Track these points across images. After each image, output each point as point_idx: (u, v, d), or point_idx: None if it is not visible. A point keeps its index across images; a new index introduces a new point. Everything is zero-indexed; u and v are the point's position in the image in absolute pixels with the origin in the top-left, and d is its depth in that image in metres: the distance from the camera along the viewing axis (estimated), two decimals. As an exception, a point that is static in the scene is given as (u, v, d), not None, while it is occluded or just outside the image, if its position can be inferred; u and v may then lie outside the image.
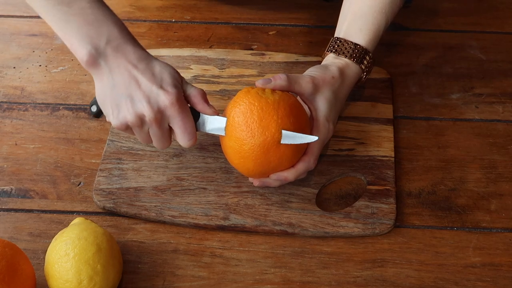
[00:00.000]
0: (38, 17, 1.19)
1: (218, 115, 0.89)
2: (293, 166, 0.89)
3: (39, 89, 1.08)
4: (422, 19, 1.19)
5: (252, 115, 0.86)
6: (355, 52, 0.95)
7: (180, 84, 0.87)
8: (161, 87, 0.85)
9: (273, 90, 0.89)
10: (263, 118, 0.86)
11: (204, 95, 0.89)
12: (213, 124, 0.89)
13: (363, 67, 0.96)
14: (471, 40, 1.16)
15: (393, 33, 1.17)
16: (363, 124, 1.02)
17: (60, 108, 1.06)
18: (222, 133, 0.88)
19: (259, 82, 0.89)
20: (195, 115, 0.89)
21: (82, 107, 1.06)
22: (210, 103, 0.89)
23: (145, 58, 0.87)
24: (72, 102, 1.06)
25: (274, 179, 0.89)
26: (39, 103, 1.06)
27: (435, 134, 1.02)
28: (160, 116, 0.86)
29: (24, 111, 1.05)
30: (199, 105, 0.88)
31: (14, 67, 1.11)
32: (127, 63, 0.86)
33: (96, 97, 0.88)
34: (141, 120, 0.86)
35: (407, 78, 1.10)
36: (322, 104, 0.91)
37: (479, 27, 1.18)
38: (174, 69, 0.88)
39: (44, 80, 1.10)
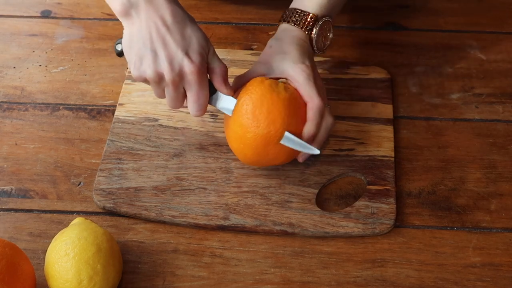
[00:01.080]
0: (38, 17, 1.19)
1: (233, 95, 0.90)
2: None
3: (39, 89, 1.08)
4: (422, 19, 1.19)
5: (261, 106, 0.87)
6: (285, 15, 0.99)
7: (206, 54, 0.88)
8: (186, 53, 0.86)
9: (286, 86, 0.90)
10: (272, 111, 0.87)
11: (225, 72, 0.90)
12: (225, 103, 0.91)
13: (294, 21, 0.97)
14: (471, 40, 1.16)
15: (393, 33, 1.17)
16: (363, 124, 1.02)
17: (60, 108, 1.06)
18: (229, 114, 0.91)
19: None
20: (212, 88, 0.90)
21: (82, 107, 1.06)
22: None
23: (177, 16, 0.87)
24: (72, 102, 1.06)
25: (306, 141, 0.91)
26: (39, 103, 1.06)
27: (435, 134, 1.02)
28: (178, 79, 0.87)
29: (24, 111, 1.05)
30: (217, 82, 0.90)
31: (14, 67, 1.11)
32: (158, 19, 0.86)
33: (122, 43, 0.89)
34: (159, 78, 0.88)
35: (407, 78, 1.10)
36: (279, 64, 0.94)
37: (479, 27, 1.18)
38: (204, 36, 0.88)
39: (44, 80, 1.10)
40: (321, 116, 0.91)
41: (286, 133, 0.88)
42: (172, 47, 0.86)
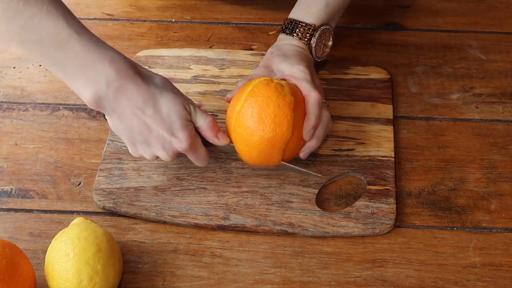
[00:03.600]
0: (38, 17, 1.19)
1: (229, 143, 0.91)
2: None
3: (39, 89, 1.08)
4: (422, 19, 1.19)
5: (267, 109, 0.88)
6: (284, 26, 1.02)
7: (189, 120, 0.88)
8: (172, 134, 0.87)
9: (292, 89, 0.91)
10: (278, 115, 0.88)
11: (212, 126, 0.90)
12: (224, 148, 0.92)
13: (294, 34, 1.01)
14: (471, 40, 1.16)
15: (393, 33, 1.17)
16: (363, 124, 1.02)
17: (60, 108, 1.06)
18: (234, 152, 0.92)
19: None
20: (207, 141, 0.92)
21: (82, 107, 1.06)
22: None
23: (149, 98, 0.85)
24: (72, 102, 1.06)
25: (307, 141, 0.93)
26: (39, 103, 1.06)
27: (435, 134, 1.02)
28: (175, 155, 0.90)
29: (24, 111, 1.05)
30: (208, 138, 0.91)
31: (14, 67, 1.11)
32: (133, 108, 0.85)
33: (110, 127, 0.90)
34: (158, 158, 0.91)
35: (407, 78, 1.10)
36: (279, 65, 0.96)
37: (479, 27, 1.18)
38: (181, 104, 0.87)
39: (44, 80, 1.10)
40: (320, 109, 0.92)
41: (284, 163, 0.91)
42: (157, 132, 0.87)
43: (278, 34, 1.03)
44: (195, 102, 0.90)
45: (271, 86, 0.89)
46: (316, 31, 1.00)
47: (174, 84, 0.93)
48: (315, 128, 0.92)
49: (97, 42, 0.84)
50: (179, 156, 0.91)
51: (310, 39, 1.00)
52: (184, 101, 0.88)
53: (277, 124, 0.87)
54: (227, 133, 0.93)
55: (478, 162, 0.99)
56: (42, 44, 0.82)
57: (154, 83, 0.87)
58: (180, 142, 0.88)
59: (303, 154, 0.93)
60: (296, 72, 0.95)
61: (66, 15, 0.82)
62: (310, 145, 0.93)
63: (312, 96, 0.92)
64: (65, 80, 0.85)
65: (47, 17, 0.80)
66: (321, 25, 1.01)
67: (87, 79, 0.83)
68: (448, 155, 1.00)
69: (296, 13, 1.02)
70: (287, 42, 1.01)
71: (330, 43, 1.04)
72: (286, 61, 0.97)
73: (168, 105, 0.86)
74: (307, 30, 1.00)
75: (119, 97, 0.84)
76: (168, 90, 0.87)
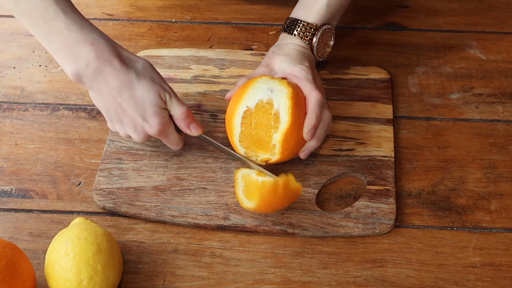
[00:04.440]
0: (38, 17, 1.19)
1: (202, 133, 0.94)
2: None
3: (39, 89, 1.08)
4: (422, 19, 1.19)
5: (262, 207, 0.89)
6: (286, 25, 1.02)
7: (163, 108, 0.91)
8: (144, 119, 0.90)
9: (293, 88, 0.92)
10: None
11: (185, 116, 0.93)
12: (198, 136, 0.95)
13: (295, 33, 1.01)
14: (471, 40, 1.16)
15: (393, 33, 1.17)
16: (363, 124, 1.02)
17: (60, 108, 1.06)
18: (207, 141, 0.96)
19: None
20: None
21: (82, 107, 1.06)
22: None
23: (126, 83, 0.88)
24: (72, 102, 1.06)
25: (308, 139, 0.93)
26: (39, 103, 1.06)
27: (435, 134, 1.02)
28: (146, 138, 0.93)
29: (24, 111, 1.05)
30: (181, 127, 0.94)
31: (14, 67, 1.11)
32: (110, 89, 0.89)
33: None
34: (130, 137, 0.94)
35: (407, 78, 1.10)
36: (280, 64, 0.97)
37: (479, 27, 1.18)
38: (156, 92, 0.90)
39: (44, 80, 1.10)
40: (320, 109, 0.92)
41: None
42: (131, 115, 0.90)
43: (280, 33, 1.03)
44: (195, 102, 0.91)
45: (266, 186, 0.87)
46: (318, 31, 1.00)
47: (174, 84, 0.93)
48: (315, 127, 0.92)
49: (82, 22, 0.88)
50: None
51: (311, 39, 1.01)
52: (161, 89, 0.90)
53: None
54: (228, 133, 0.93)
55: (478, 162, 0.99)
56: (31, 16, 0.87)
57: (134, 67, 0.89)
58: (151, 127, 0.90)
59: (303, 154, 0.93)
60: (297, 71, 0.95)
61: None
62: (311, 145, 0.93)
63: (313, 95, 0.92)
64: (50, 52, 0.89)
65: None
66: (323, 24, 1.01)
67: (69, 56, 0.87)
68: (448, 155, 1.00)
69: (297, 12, 1.02)
70: (288, 41, 1.01)
71: (331, 42, 1.04)
72: (288, 61, 0.97)
73: (143, 92, 0.89)
74: (308, 29, 1.00)
75: (97, 77, 0.88)
76: (146, 76, 0.90)
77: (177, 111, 0.92)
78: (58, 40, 0.87)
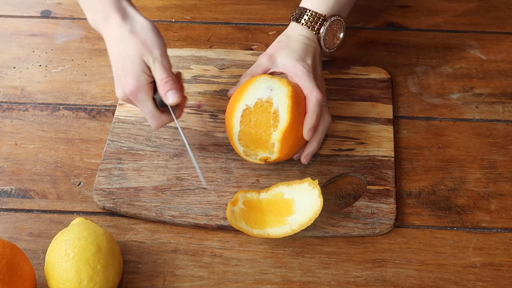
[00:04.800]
0: (38, 17, 1.19)
1: (178, 101, 0.91)
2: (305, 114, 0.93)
3: (39, 89, 1.08)
4: (422, 19, 1.19)
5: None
6: (295, 13, 1.01)
7: (144, 71, 0.90)
8: (123, 74, 0.91)
9: (293, 87, 0.92)
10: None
11: (165, 83, 0.90)
12: (174, 108, 0.94)
13: (303, 22, 0.99)
14: (471, 40, 1.16)
15: (393, 33, 1.17)
16: (363, 124, 1.02)
17: (60, 108, 1.06)
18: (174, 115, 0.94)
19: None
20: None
21: (82, 107, 1.06)
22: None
23: (119, 37, 0.91)
24: (72, 102, 1.06)
25: (308, 140, 0.93)
26: (39, 103, 1.06)
27: (435, 134, 1.02)
28: (126, 97, 0.92)
29: (24, 111, 1.05)
30: (162, 96, 0.91)
31: (14, 67, 1.11)
32: (112, 40, 0.92)
33: None
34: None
35: (407, 78, 1.10)
36: (283, 58, 0.97)
37: (479, 27, 1.18)
38: (139, 54, 0.90)
39: (44, 80, 1.10)
40: (320, 108, 0.92)
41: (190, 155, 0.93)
42: (116, 68, 0.92)
43: (289, 22, 1.02)
44: (195, 102, 0.91)
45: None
46: (326, 21, 0.99)
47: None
48: (315, 127, 0.92)
49: None
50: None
51: (319, 29, 0.99)
52: (147, 52, 0.90)
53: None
54: (228, 132, 0.93)
55: (478, 162, 0.99)
56: None
57: (132, 25, 0.91)
58: (124, 87, 0.91)
59: (305, 159, 0.94)
60: (298, 70, 0.95)
61: None
62: (311, 149, 0.93)
63: (314, 95, 0.92)
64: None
65: None
66: (332, 15, 1.00)
67: (87, 4, 0.95)
68: (448, 155, 0.99)
69: (307, 2, 1.01)
70: (296, 31, 1.00)
71: (341, 35, 1.02)
72: (291, 56, 0.96)
73: (127, 49, 0.90)
74: (317, 19, 0.99)
75: (106, 29, 0.93)
76: (138, 36, 0.90)
77: (157, 76, 0.90)
78: None
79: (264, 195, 0.92)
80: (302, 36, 0.99)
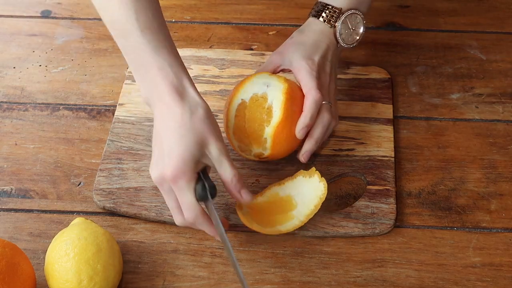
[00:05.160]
0: (38, 17, 1.19)
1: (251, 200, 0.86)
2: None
3: (39, 89, 1.08)
4: (422, 19, 1.19)
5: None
6: (314, 9, 0.99)
7: (198, 159, 0.82)
8: (169, 155, 0.81)
9: (290, 85, 0.92)
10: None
11: (239, 180, 0.84)
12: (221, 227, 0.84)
13: (324, 16, 0.97)
14: (471, 40, 1.16)
15: (393, 33, 1.17)
16: (363, 124, 1.02)
17: (60, 108, 1.06)
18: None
19: None
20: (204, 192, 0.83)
21: (82, 107, 1.06)
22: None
23: (178, 116, 0.81)
24: (72, 102, 1.06)
25: (308, 141, 0.93)
26: (39, 103, 1.06)
27: (435, 134, 1.02)
28: (161, 182, 0.83)
29: (24, 111, 1.05)
30: (233, 193, 0.85)
31: (14, 67, 1.11)
32: (165, 115, 0.82)
33: None
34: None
35: (407, 78, 1.10)
36: (290, 55, 0.95)
37: (479, 27, 1.18)
38: (205, 140, 0.82)
39: (44, 80, 1.10)
40: (316, 109, 0.92)
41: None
42: (157, 147, 0.83)
43: (308, 17, 1.00)
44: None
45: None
46: (342, 14, 0.97)
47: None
48: (309, 127, 0.91)
49: (158, 44, 0.84)
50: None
51: (335, 22, 0.97)
52: (210, 142, 0.82)
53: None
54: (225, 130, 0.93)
55: (478, 162, 0.99)
56: (113, 28, 0.86)
57: (193, 107, 0.83)
58: (167, 167, 0.81)
59: (303, 157, 0.93)
60: (302, 67, 0.94)
61: (139, 9, 0.83)
62: (308, 147, 0.93)
63: (311, 94, 0.92)
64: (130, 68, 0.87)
65: (120, 3, 0.83)
66: (349, 9, 0.98)
67: (138, 78, 0.86)
68: (448, 155, 0.99)
69: None
70: (311, 26, 0.98)
71: (360, 30, 0.99)
72: (299, 52, 0.95)
73: (186, 131, 0.81)
74: (332, 13, 0.97)
75: (156, 105, 0.84)
76: (202, 122, 0.82)
77: (226, 171, 0.83)
78: (130, 58, 0.85)
79: (261, 199, 0.91)
80: (316, 32, 0.97)
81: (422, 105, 1.06)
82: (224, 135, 0.97)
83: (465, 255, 0.89)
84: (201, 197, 0.83)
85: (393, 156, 0.98)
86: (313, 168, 0.90)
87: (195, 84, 1.06)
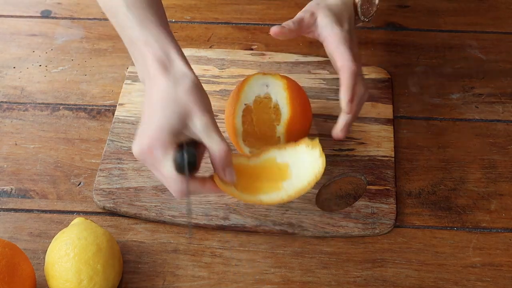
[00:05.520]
0: (38, 17, 1.19)
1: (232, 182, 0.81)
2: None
3: (39, 89, 1.08)
4: (422, 19, 1.19)
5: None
6: None
7: (178, 130, 0.78)
8: (148, 125, 0.78)
9: (287, 83, 0.92)
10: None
11: (227, 156, 0.79)
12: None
13: None
14: (471, 40, 1.16)
15: (393, 33, 1.17)
16: (363, 124, 1.02)
17: (60, 108, 1.06)
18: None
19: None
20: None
21: (82, 107, 1.06)
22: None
23: (163, 86, 0.78)
24: (72, 102, 1.06)
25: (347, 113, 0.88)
26: (39, 103, 1.06)
27: (435, 134, 1.02)
28: (142, 154, 0.80)
29: (24, 111, 1.05)
30: (218, 169, 0.80)
31: (14, 67, 1.11)
32: (152, 87, 0.80)
33: None
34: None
35: (407, 78, 1.10)
36: (322, 19, 0.91)
37: (479, 27, 1.18)
38: (189, 111, 0.77)
39: (44, 80, 1.10)
40: (355, 80, 0.88)
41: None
42: (142, 119, 0.81)
43: None
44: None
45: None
46: None
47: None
48: (351, 101, 0.88)
49: (144, 19, 0.82)
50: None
51: None
52: (196, 113, 0.78)
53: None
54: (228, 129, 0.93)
55: (478, 162, 0.99)
56: (105, 9, 0.86)
57: (179, 77, 0.79)
58: (143, 137, 0.78)
59: (342, 133, 0.89)
60: (336, 35, 0.90)
61: None
62: (348, 121, 0.88)
63: (347, 66, 0.88)
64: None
65: None
66: None
67: (132, 55, 0.85)
68: (448, 155, 1.00)
69: None
70: None
71: (376, 1, 0.97)
72: (330, 17, 0.91)
73: (169, 101, 0.78)
74: None
75: (148, 83, 0.81)
76: (188, 93, 0.78)
77: (215, 145, 0.78)
78: (123, 37, 0.84)
79: (254, 161, 0.86)
80: (339, 2, 0.94)
81: (422, 105, 1.06)
82: (229, 139, 0.97)
83: (465, 255, 0.89)
84: (179, 167, 0.77)
85: (393, 156, 0.98)
86: (317, 139, 0.84)
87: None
